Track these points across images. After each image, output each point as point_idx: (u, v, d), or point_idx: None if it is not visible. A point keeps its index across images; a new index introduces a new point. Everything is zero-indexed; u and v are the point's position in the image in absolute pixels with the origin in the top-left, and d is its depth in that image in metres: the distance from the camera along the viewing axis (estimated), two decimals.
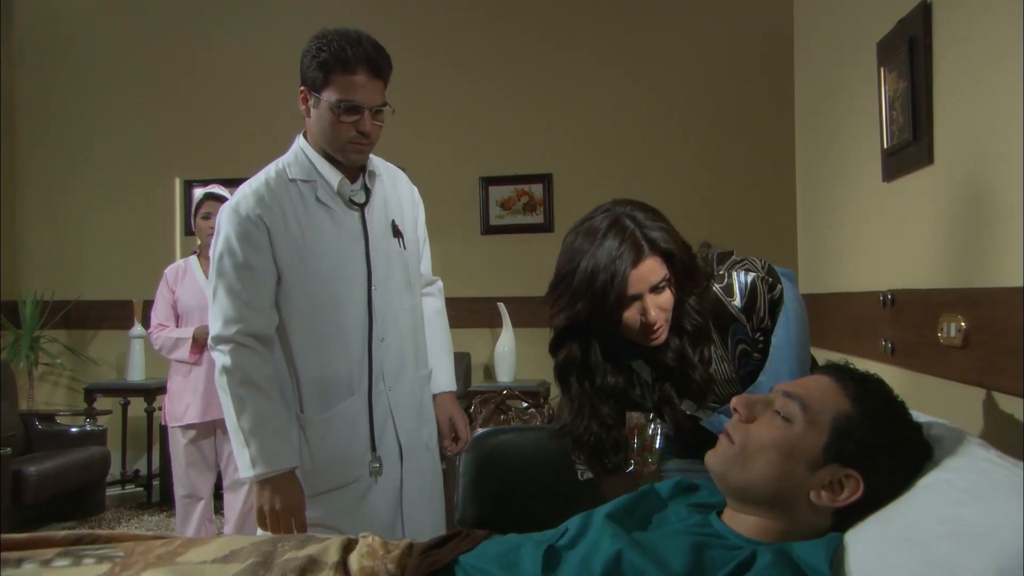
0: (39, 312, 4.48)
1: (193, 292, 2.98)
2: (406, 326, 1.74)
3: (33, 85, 4.70)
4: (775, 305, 1.30)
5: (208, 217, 2.94)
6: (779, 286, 1.30)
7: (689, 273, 1.26)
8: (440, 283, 1.96)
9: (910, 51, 1.87)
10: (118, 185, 4.60)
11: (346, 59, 1.54)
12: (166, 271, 3.04)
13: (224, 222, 1.62)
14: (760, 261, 1.33)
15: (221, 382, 1.61)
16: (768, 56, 3.84)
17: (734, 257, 1.34)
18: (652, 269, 1.20)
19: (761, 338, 1.32)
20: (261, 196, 1.62)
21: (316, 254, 1.63)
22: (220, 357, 1.61)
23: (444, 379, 1.87)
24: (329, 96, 1.56)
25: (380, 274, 1.67)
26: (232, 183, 3.95)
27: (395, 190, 1.78)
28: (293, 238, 1.61)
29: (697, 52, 4.02)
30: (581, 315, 1.23)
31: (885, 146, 2.10)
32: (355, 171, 1.69)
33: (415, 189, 1.87)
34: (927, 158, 1.81)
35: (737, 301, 1.30)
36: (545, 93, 4.17)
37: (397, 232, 1.73)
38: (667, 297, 1.23)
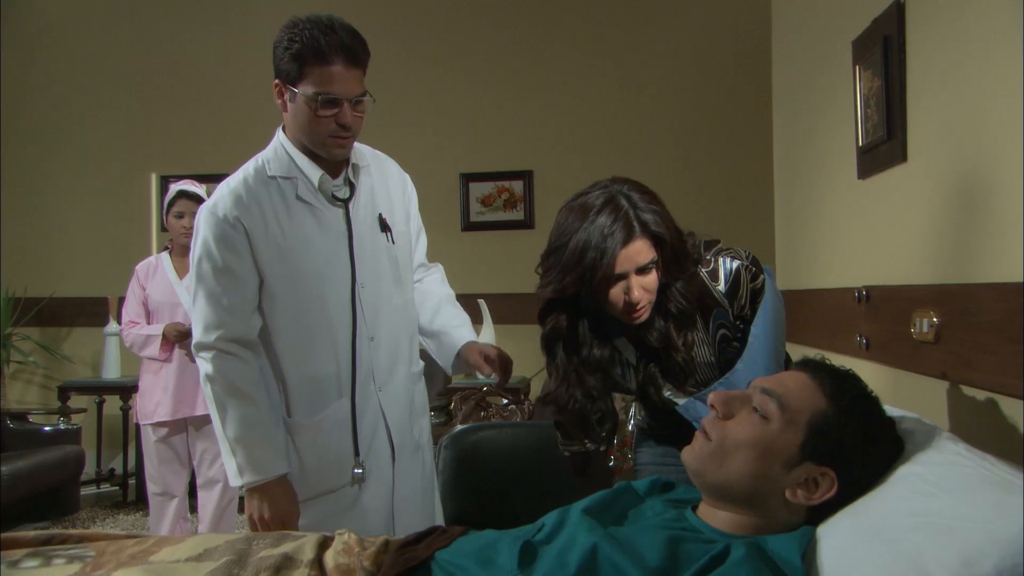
0: (11, 309, 4.40)
1: (164, 289, 2.94)
2: (397, 323, 1.68)
3: (7, 79, 4.60)
4: (756, 294, 1.33)
5: (181, 216, 2.91)
6: (761, 276, 1.34)
7: (677, 258, 1.28)
8: (440, 266, 1.89)
9: (884, 50, 1.89)
10: (93, 180, 4.53)
11: (320, 49, 1.46)
12: (137, 268, 3.01)
13: (202, 224, 1.57)
14: (744, 251, 1.36)
15: (205, 390, 1.57)
16: (746, 54, 3.87)
17: (720, 245, 1.38)
18: (640, 250, 1.22)
19: (741, 326, 1.34)
20: (239, 196, 1.55)
21: (298, 254, 1.57)
22: (203, 364, 1.56)
23: (465, 333, 1.74)
24: (305, 89, 1.49)
25: (366, 272, 1.62)
26: (209, 179, 3.91)
27: (383, 181, 1.71)
28: (274, 238, 1.55)
29: (677, 50, 4.04)
30: (568, 289, 1.25)
31: (860, 144, 2.12)
32: (338, 165, 1.62)
33: (406, 177, 1.79)
34: (901, 156, 1.84)
35: (721, 286, 1.33)
36: (526, 90, 4.17)
37: (385, 227, 1.66)
38: (652, 279, 1.25)
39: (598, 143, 4.09)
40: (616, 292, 1.24)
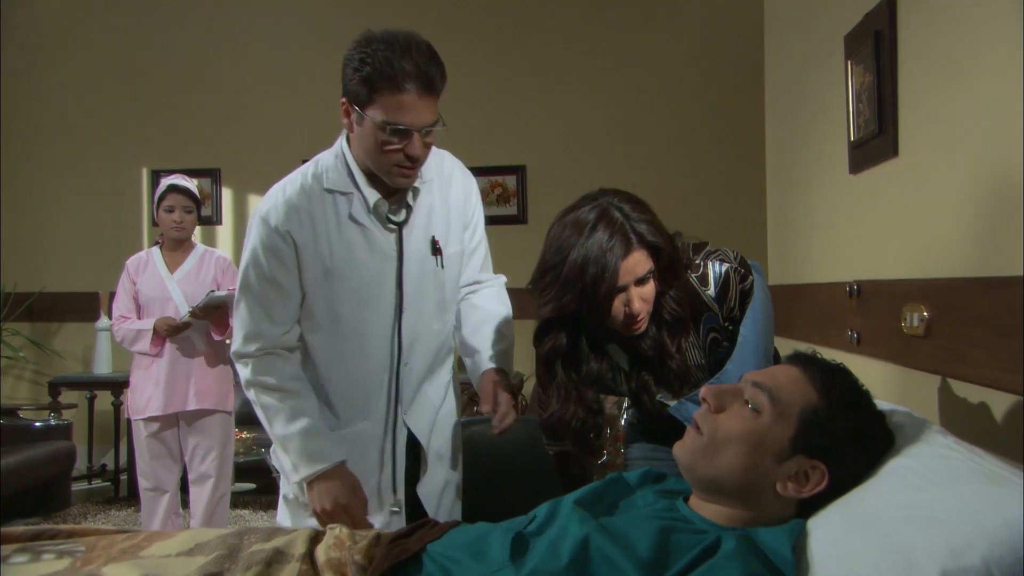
0: (2, 304, 4.37)
1: (154, 283, 2.93)
2: (433, 348, 1.63)
3: (3, 75, 4.58)
4: (745, 295, 1.33)
5: (171, 210, 2.89)
6: (750, 277, 1.34)
7: (672, 266, 1.29)
8: (501, 278, 1.76)
9: (876, 45, 1.89)
10: (84, 175, 4.51)
11: (393, 75, 1.35)
12: (127, 262, 2.99)
13: (254, 231, 1.52)
14: (733, 252, 1.36)
15: (248, 395, 1.55)
16: (739, 49, 3.87)
17: (708, 248, 1.38)
18: (639, 261, 1.23)
19: (730, 327, 1.35)
20: (293, 207, 1.49)
21: (343, 274, 1.51)
22: (242, 370, 1.54)
23: (487, 360, 1.62)
24: (374, 115, 1.39)
25: (412, 298, 1.55)
26: (199, 173, 3.90)
27: (444, 197, 1.61)
28: (321, 256, 1.50)
29: (670, 45, 4.05)
30: (569, 306, 1.25)
31: (852, 139, 2.12)
32: None
33: (472, 185, 1.68)
34: (892, 150, 1.84)
35: (711, 290, 1.33)
36: (519, 85, 4.17)
37: (436, 250, 1.58)
38: (650, 289, 1.26)
39: (591, 138, 4.09)
40: (617, 305, 1.25)
